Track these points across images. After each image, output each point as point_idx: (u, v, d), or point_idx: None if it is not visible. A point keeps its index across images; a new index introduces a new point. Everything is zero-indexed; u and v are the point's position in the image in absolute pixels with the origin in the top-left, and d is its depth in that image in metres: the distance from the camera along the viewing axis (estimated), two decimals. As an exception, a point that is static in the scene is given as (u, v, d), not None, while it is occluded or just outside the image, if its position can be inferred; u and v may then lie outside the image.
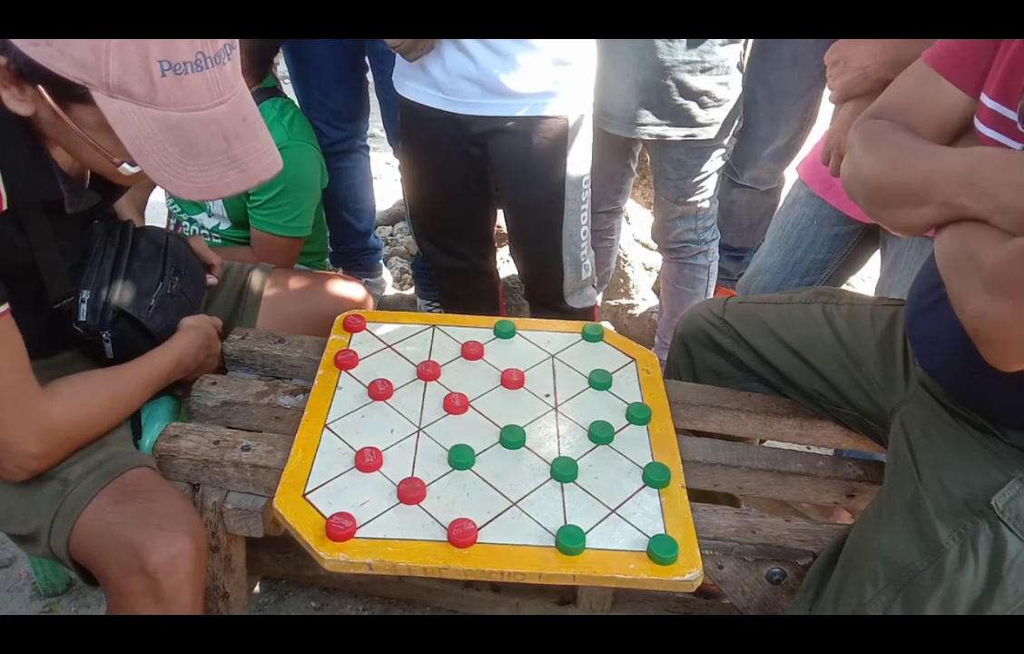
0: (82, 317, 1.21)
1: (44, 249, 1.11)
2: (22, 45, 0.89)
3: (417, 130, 1.74)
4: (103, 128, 0.94)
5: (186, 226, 1.96)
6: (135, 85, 0.90)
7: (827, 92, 1.44)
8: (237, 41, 1.00)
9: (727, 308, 1.41)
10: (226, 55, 0.96)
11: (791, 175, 2.54)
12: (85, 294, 1.22)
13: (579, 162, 1.69)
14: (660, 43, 1.78)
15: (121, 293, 1.25)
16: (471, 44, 1.56)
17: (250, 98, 1.03)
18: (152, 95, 0.91)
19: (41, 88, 0.93)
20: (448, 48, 1.58)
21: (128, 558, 1.05)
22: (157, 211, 2.06)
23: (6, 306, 1.01)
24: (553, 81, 1.60)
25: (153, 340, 1.28)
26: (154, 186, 1.99)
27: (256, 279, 1.57)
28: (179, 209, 1.97)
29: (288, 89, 2.23)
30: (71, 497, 1.09)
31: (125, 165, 1.01)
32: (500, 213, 2.03)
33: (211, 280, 1.53)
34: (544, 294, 1.87)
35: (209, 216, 1.94)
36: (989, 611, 0.97)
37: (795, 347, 1.32)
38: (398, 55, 1.65)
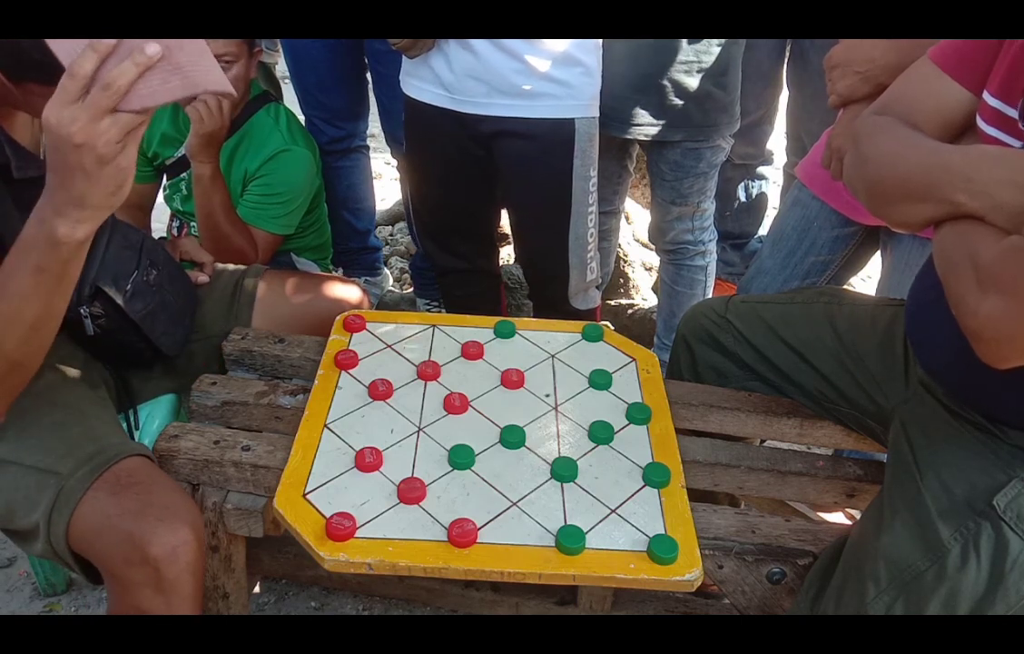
0: None
1: (6, 218, 1.10)
2: None
3: (422, 129, 1.73)
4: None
5: (190, 228, 1.96)
6: None
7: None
8: None
9: (729, 307, 1.41)
10: None
11: (779, 159, 2.58)
12: None
13: (586, 164, 1.68)
14: (656, 42, 1.77)
15: (98, 272, 1.26)
16: (477, 43, 1.54)
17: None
18: None
19: None
20: (454, 47, 1.57)
21: (129, 549, 1.05)
22: (158, 212, 2.06)
23: None
24: (561, 82, 1.58)
25: (135, 327, 1.29)
26: (158, 188, 2.00)
27: (250, 281, 1.57)
28: (181, 210, 1.98)
29: (288, 88, 2.23)
30: (65, 490, 1.09)
31: None
32: (501, 212, 2.02)
33: (203, 278, 1.54)
34: (548, 296, 1.86)
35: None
36: (991, 611, 0.97)
37: (796, 346, 1.32)
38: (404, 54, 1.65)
